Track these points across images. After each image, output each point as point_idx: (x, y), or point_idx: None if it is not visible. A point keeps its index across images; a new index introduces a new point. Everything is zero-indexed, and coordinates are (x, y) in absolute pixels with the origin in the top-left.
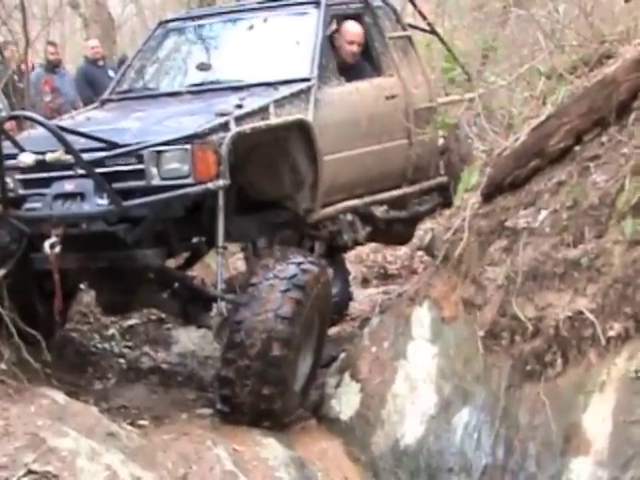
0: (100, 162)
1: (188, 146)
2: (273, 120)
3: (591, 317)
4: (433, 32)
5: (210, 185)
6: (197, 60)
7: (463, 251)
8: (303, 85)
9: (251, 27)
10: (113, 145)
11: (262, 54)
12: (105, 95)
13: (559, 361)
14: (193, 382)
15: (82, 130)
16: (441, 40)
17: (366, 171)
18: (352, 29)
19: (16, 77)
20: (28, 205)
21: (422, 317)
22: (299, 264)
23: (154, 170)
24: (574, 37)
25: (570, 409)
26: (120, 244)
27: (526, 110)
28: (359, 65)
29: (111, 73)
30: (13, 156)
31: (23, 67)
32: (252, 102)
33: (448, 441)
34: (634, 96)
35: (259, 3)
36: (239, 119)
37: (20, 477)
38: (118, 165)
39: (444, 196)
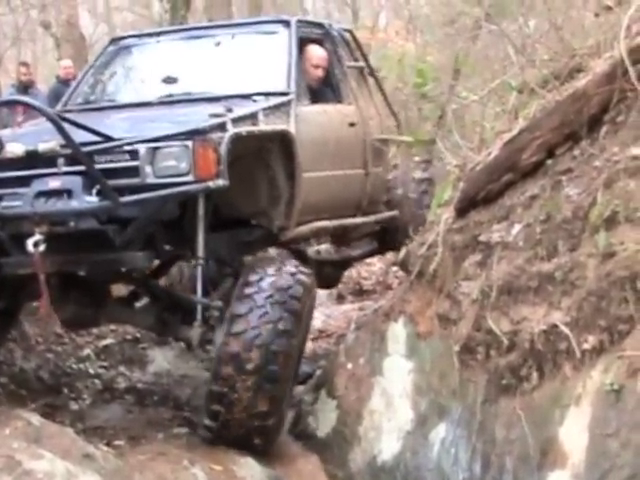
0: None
1: (189, 142)
2: (263, 127)
3: (566, 330)
4: (372, 74)
5: (210, 184)
6: (158, 75)
7: (437, 266)
8: (283, 98)
9: (218, 43)
10: (108, 139)
11: (233, 69)
12: (59, 106)
13: (535, 375)
14: (169, 401)
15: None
16: (378, 83)
17: (331, 195)
18: (317, 53)
19: None
20: (4, 204)
21: (397, 333)
22: (276, 323)
23: (149, 168)
24: (545, 51)
25: (546, 423)
26: (106, 246)
27: (498, 124)
28: (322, 90)
29: None
30: None
31: None
32: (239, 109)
33: (425, 457)
34: (605, 109)
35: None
36: (233, 121)
37: None
38: (109, 162)
39: (381, 240)
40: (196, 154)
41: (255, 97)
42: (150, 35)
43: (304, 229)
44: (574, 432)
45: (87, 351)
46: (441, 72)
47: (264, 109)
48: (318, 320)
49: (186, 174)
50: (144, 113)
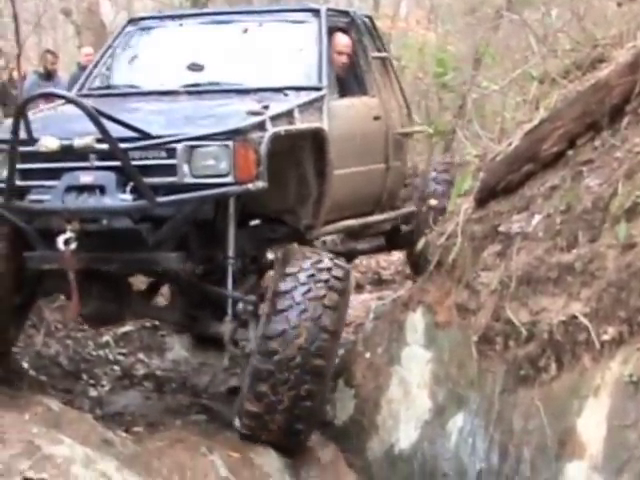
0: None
1: (230, 142)
2: (300, 125)
3: (585, 321)
4: (391, 65)
5: (250, 186)
6: (182, 60)
7: (457, 256)
8: (316, 94)
9: (246, 30)
10: (146, 136)
11: (261, 59)
12: (75, 90)
13: (553, 366)
14: (187, 388)
15: (81, 121)
16: (394, 72)
17: (354, 192)
18: (341, 40)
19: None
20: (32, 197)
21: (416, 322)
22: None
23: (186, 166)
24: (567, 41)
25: (564, 413)
26: (137, 244)
27: (519, 115)
28: (347, 79)
29: None
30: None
31: (15, 75)
32: (275, 105)
33: (442, 446)
34: (627, 100)
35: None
36: (271, 119)
37: None
38: (143, 159)
39: (389, 239)
40: (237, 155)
41: (287, 91)
42: (172, 17)
43: (330, 228)
44: (592, 423)
45: (106, 338)
46: (462, 62)
47: (299, 106)
48: None
49: (225, 175)
50: (176, 105)
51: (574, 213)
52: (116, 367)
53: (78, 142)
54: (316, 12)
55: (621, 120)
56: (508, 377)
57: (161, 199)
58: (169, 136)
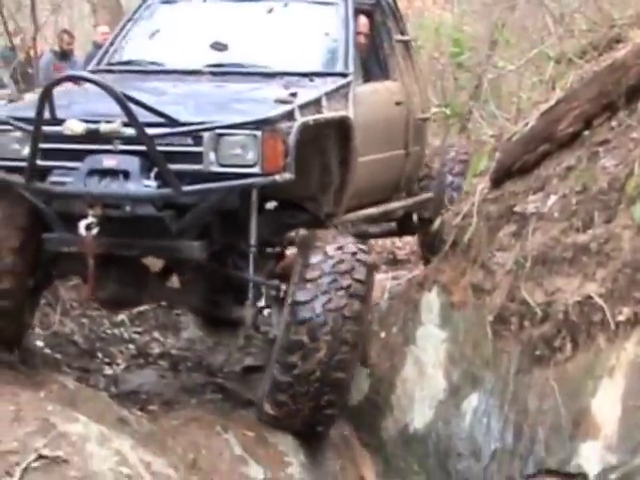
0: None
1: (258, 132)
2: (327, 114)
3: (600, 302)
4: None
5: (277, 177)
6: (204, 38)
7: (472, 236)
8: (343, 80)
9: (270, 10)
10: (174, 122)
11: (286, 41)
12: (92, 65)
13: (568, 346)
14: (202, 367)
15: (104, 100)
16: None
17: (374, 178)
18: (359, 20)
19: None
20: (53, 179)
21: (431, 302)
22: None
23: (212, 154)
24: (583, 21)
25: (579, 394)
26: (159, 231)
27: (535, 95)
28: (369, 62)
29: None
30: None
31: (32, 53)
32: (303, 93)
33: (457, 426)
34: None
35: None
36: (300, 108)
37: (30, 462)
38: (169, 145)
39: (401, 225)
40: (265, 145)
41: (313, 77)
42: None
43: (351, 216)
44: (607, 403)
45: (121, 316)
46: (478, 42)
47: (327, 93)
48: None
49: (252, 165)
50: (202, 89)
51: (590, 193)
52: (131, 346)
53: (104, 127)
54: None
55: (637, 100)
56: (523, 357)
57: (187, 188)
58: (197, 123)
